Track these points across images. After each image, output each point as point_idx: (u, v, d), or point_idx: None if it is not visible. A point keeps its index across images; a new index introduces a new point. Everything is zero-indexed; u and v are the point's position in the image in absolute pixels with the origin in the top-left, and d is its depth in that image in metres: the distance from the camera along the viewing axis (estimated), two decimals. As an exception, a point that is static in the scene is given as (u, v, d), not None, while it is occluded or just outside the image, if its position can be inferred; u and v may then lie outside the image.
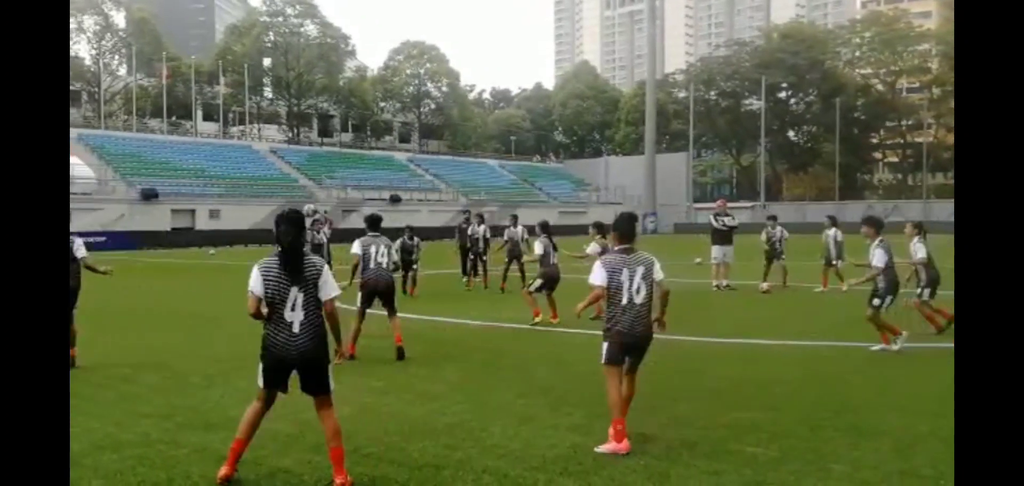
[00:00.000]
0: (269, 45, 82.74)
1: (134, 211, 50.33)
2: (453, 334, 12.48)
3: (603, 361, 6.08)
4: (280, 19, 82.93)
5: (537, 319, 12.84)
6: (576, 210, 71.92)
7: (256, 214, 54.39)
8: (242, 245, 46.51)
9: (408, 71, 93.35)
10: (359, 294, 10.21)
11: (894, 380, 8.55)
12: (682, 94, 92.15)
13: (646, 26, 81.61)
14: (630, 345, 6.08)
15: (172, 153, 60.89)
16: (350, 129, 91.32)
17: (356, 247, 10.33)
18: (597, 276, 6.11)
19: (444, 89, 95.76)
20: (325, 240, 17.50)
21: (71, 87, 75.75)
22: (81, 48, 77.03)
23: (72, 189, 49.11)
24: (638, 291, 6.03)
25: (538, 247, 13.65)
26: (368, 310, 10.21)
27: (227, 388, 8.20)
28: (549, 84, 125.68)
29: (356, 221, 60.85)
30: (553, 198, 77.52)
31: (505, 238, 19.23)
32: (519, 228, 19.07)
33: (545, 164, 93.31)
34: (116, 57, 78.35)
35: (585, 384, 8.35)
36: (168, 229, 50.89)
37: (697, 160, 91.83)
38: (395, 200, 64.44)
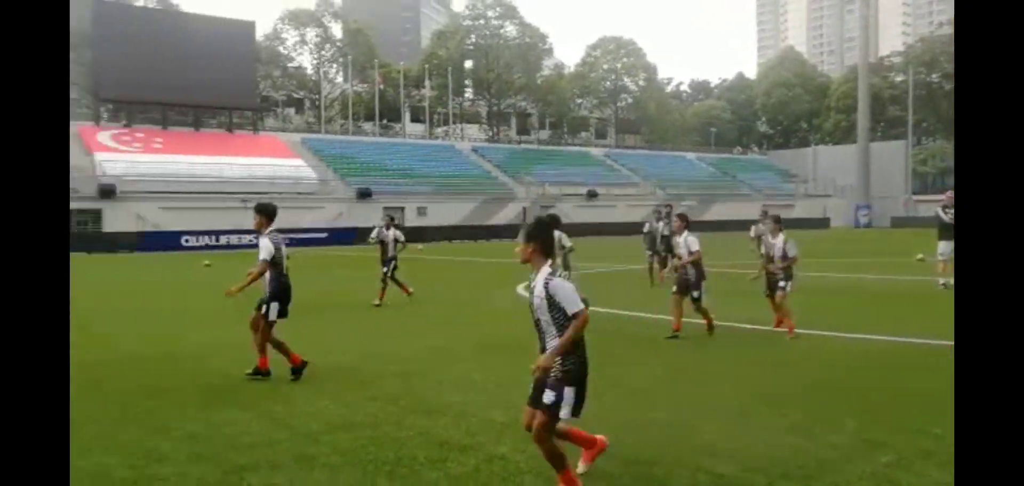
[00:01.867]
0: (471, 47, 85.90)
1: (351, 209, 54.06)
2: (651, 330, 12.35)
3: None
4: (481, 22, 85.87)
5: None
6: (782, 203, 68.78)
7: (459, 211, 56.67)
8: (446, 240, 48.61)
9: (605, 66, 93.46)
10: None
11: None
12: (900, 78, 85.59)
13: (858, 6, 76.53)
14: None
15: (383, 154, 64.75)
16: (547, 126, 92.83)
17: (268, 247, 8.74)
18: None
19: (641, 83, 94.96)
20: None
21: (295, 95, 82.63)
22: (304, 59, 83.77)
23: (298, 189, 53.62)
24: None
25: (693, 243, 11.60)
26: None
27: (444, 376, 8.61)
28: (751, 73, 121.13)
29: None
30: (756, 191, 74.63)
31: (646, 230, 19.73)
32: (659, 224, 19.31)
33: (747, 156, 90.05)
34: (334, 66, 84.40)
35: (802, 383, 8.00)
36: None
37: (917, 148, 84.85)
38: (591, 196, 64.83)
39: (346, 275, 26.42)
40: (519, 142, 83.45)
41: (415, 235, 51.04)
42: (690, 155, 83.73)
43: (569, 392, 4.68)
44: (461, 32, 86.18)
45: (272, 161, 56.04)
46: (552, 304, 4.68)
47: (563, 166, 70.70)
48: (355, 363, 9.44)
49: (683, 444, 5.94)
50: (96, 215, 46.29)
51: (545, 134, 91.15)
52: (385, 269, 16.33)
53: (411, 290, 16.23)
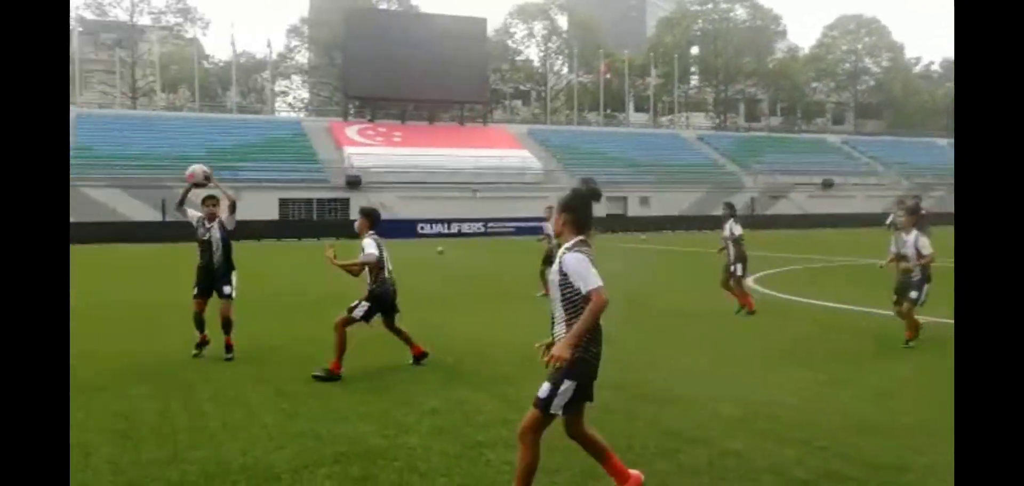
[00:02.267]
0: (698, 33, 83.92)
1: (574, 198, 54.86)
2: (895, 327, 11.45)
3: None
4: (709, 6, 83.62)
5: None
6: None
7: (683, 201, 55.69)
8: (669, 230, 47.96)
9: (843, 47, 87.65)
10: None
11: None
12: None
13: None
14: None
15: (606, 144, 65.05)
16: (778, 112, 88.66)
17: (372, 247, 8.64)
18: None
19: (884, 64, 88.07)
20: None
21: (522, 87, 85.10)
22: (531, 52, 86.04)
23: (523, 179, 55.27)
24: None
25: (926, 246, 10.15)
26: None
27: (672, 366, 8.54)
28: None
29: (784, 207, 59.08)
30: None
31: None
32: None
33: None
34: (560, 58, 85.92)
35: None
36: (603, 215, 54.54)
37: None
38: (827, 185, 61.17)
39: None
40: (747, 129, 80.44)
41: (638, 225, 50.96)
42: (941, 140, 76.41)
43: (568, 386, 4.21)
44: (688, 18, 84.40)
45: (499, 152, 58.17)
46: (565, 281, 4.25)
47: (796, 154, 67.27)
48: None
49: (938, 452, 5.48)
50: (344, 204, 50.50)
51: (776, 121, 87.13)
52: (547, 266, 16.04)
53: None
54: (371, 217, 8.81)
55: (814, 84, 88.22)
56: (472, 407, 6.76)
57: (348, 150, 54.95)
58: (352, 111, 64.76)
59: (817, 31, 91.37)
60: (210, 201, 9.36)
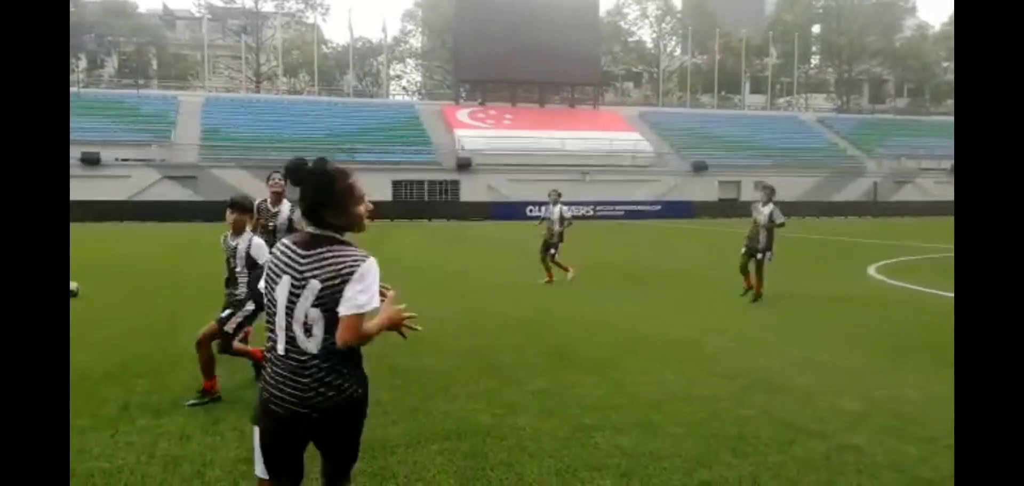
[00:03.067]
0: (820, 11, 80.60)
1: (685, 182, 53.86)
2: None
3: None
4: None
5: None
6: None
7: (801, 185, 53.82)
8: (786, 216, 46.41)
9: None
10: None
11: None
12: None
13: None
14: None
15: (721, 126, 63.48)
16: (905, 94, 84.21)
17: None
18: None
19: None
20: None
21: (634, 69, 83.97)
22: (644, 33, 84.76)
23: (635, 162, 54.66)
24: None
25: None
26: None
27: (787, 355, 8.27)
28: None
29: (909, 193, 56.15)
30: None
31: None
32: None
33: None
34: (674, 38, 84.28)
35: None
36: (715, 200, 53.32)
37: None
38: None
39: (688, 248, 26.47)
40: (872, 112, 76.77)
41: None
42: None
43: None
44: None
45: (610, 135, 57.68)
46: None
47: (924, 137, 63.80)
48: (695, 336, 9.43)
49: None
50: (455, 186, 51.30)
51: (903, 102, 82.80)
52: (553, 250, 15.26)
53: (570, 273, 15.12)
54: (244, 209, 6.63)
55: (945, 64, 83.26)
56: (582, 390, 6.75)
57: (459, 133, 55.72)
58: (464, 94, 65.57)
59: (949, 7, 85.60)
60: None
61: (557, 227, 15.45)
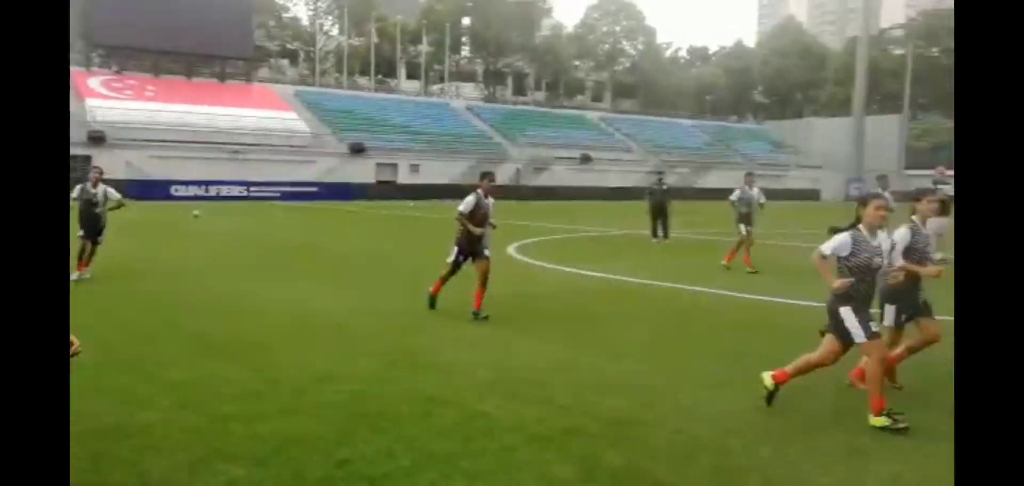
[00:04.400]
0: (470, 4, 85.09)
1: (343, 164, 53.84)
2: (643, 294, 12.44)
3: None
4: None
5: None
6: (773, 173, 68.92)
7: (452, 170, 56.55)
8: (437, 199, 48.53)
9: (604, 29, 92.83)
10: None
11: None
12: (899, 51, 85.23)
13: (859, -22, 75.94)
14: None
15: (378, 109, 64.37)
16: (544, 88, 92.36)
17: None
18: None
19: (639, 47, 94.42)
20: None
21: (289, 46, 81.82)
22: (300, 9, 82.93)
23: (291, 142, 53.37)
24: None
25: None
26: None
27: (436, 333, 8.67)
28: (750, 41, 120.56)
29: (546, 179, 61.86)
30: (749, 160, 74.57)
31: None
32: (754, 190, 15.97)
33: (742, 125, 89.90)
34: (330, 18, 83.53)
35: (777, 351, 8.07)
36: (373, 182, 54.04)
37: (913, 123, 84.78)
38: (586, 159, 64.71)
39: (344, 230, 26.43)
40: (514, 103, 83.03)
41: (407, 192, 51.10)
42: (685, 122, 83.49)
43: None
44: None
45: (265, 113, 55.67)
46: None
47: (558, 129, 70.46)
48: (346, 318, 9.49)
49: (663, 406, 6.02)
50: (85, 161, 45.94)
51: (541, 95, 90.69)
52: (98, 237, 12.59)
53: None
54: None
55: (576, 62, 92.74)
56: (222, 379, 6.46)
57: (91, 103, 49.97)
58: (97, 61, 58.91)
59: (581, 11, 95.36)
60: None
61: None
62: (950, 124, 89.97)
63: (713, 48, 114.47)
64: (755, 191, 15.58)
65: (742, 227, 15.26)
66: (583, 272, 14.50)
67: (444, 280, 9.94)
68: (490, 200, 9.78)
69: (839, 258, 5.81)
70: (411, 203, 45.49)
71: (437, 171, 55.95)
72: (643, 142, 72.31)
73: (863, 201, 6.17)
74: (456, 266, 9.80)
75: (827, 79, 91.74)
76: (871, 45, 77.35)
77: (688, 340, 8.80)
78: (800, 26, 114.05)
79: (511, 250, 18.57)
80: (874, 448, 5.21)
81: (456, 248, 9.79)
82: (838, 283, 5.72)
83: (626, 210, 35.88)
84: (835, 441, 5.32)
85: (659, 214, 21.44)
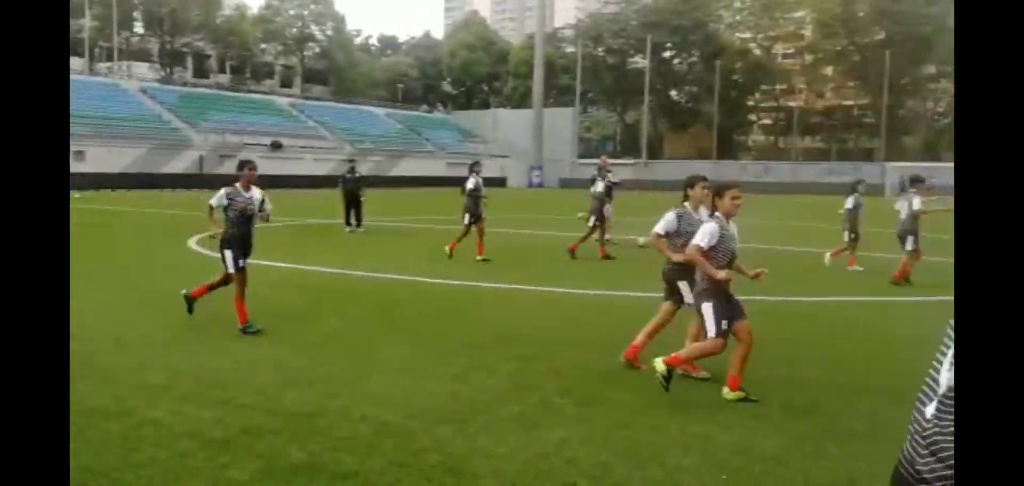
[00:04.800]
0: (140, -23, 78.18)
1: (-12, 149, 46.78)
2: (335, 284, 12.33)
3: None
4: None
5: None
6: (464, 162, 71.87)
7: (125, 157, 51.73)
8: (108, 189, 44.08)
9: (291, 12, 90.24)
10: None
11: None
12: (570, 49, 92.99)
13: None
14: None
15: (31, 88, 56.72)
16: (228, 70, 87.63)
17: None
18: None
19: (329, 33, 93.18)
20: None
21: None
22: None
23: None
24: None
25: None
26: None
27: (89, 341, 7.84)
28: (438, 33, 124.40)
29: (233, 167, 58.81)
30: (440, 149, 77.12)
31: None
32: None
33: (432, 115, 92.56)
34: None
35: (469, 334, 8.44)
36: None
37: (584, 116, 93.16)
38: (276, 146, 62.52)
39: None
40: (196, 84, 77.81)
41: (71, 182, 45.68)
42: (378, 110, 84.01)
43: None
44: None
45: None
46: None
47: (245, 113, 67.26)
48: None
49: (350, 396, 6.00)
50: None
51: (225, 78, 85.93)
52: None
53: None
54: None
55: (264, 45, 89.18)
56: None
57: None
58: None
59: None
60: None
61: None
62: (613, 117, 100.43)
63: (403, 37, 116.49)
64: (477, 180, 15.94)
65: (469, 216, 15.38)
66: (272, 264, 13.98)
67: (211, 287, 8.80)
68: (253, 192, 8.71)
69: (706, 246, 6.18)
70: (77, 194, 40.77)
71: (107, 158, 50.69)
72: (336, 129, 71.54)
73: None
74: (238, 268, 8.36)
75: (510, 73, 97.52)
76: (547, 42, 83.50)
77: (381, 328, 8.87)
78: (484, 21, 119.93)
79: (192, 243, 17.43)
80: (544, 418, 5.63)
81: (230, 252, 8.37)
82: (721, 275, 6.10)
83: (319, 199, 35.29)
84: (511, 413, 5.66)
85: (352, 203, 21.40)
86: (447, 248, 15.45)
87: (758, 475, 4.66)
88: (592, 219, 16.42)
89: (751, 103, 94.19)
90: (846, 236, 15.27)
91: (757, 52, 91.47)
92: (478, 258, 14.93)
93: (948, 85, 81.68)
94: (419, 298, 10.93)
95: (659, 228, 7.04)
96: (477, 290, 11.69)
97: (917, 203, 13.57)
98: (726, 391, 6.16)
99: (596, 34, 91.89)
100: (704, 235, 6.21)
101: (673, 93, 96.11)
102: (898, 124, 79.76)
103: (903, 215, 13.70)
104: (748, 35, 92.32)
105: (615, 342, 8.13)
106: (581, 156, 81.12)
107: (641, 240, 16.38)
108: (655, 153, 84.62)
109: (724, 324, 6.15)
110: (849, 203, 15.41)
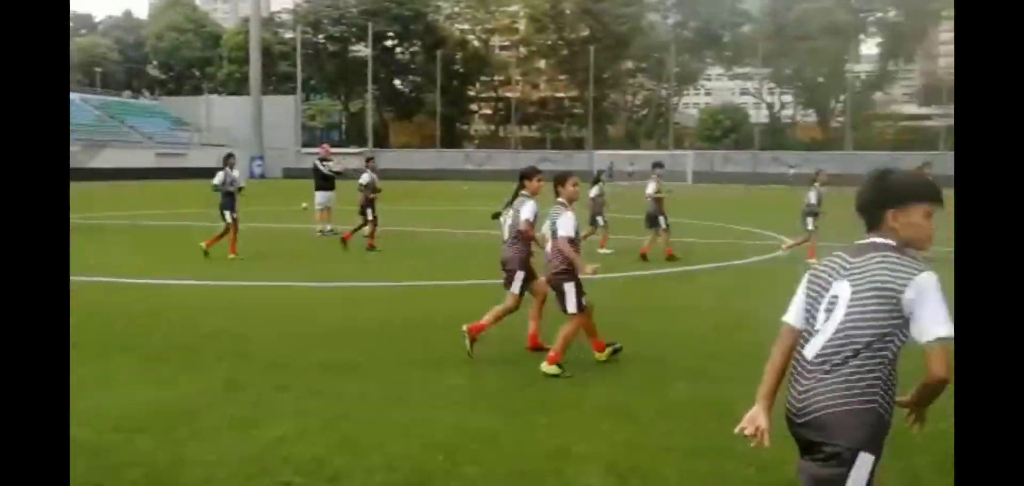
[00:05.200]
0: None
1: None
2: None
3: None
4: None
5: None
6: (175, 152, 67.11)
7: None
8: None
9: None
10: None
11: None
12: (289, 35, 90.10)
13: (251, -41, 77.99)
14: None
15: None
16: None
17: None
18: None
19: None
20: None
21: None
22: None
23: None
24: None
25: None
26: None
27: None
28: (141, 13, 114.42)
29: None
30: (148, 138, 71.20)
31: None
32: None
33: (137, 101, 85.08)
34: None
35: (178, 337, 7.90)
36: None
37: (306, 104, 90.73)
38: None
39: None
40: None
41: None
42: (74, 96, 75.53)
43: None
44: None
45: None
46: None
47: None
48: None
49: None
50: None
51: None
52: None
53: None
54: None
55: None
56: None
57: None
58: None
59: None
60: None
61: None
62: (338, 106, 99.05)
63: (99, 16, 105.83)
64: (237, 173, 14.89)
65: (228, 214, 14.20)
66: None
67: None
68: None
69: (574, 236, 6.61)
70: None
71: None
72: (20, 117, 63.27)
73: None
74: None
75: (224, 58, 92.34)
76: (263, 27, 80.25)
77: (75, 337, 7.98)
78: (193, 2, 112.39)
79: None
80: (260, 416, 5.42)
81: None
82: (590, 267, 6.65)
83: None
84: (223, 416, 5.39)
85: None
86: (203, 244, 14.10)
87: (474, 452, 4.84)
88: (368, 212, 16.14)
89: (472, 93, 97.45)
90: (807, 224, 14.43)
91: (476, 43, 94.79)
92: (229, 255, 14.03)
93: (644, 80, 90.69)
94: (122, 301, 10.00)
95: (572, 232, 6.80)
96: (189, 289, 10.97)
97: (652, 187, 15.02)
98: (545, 365, 6.50)
99: (315, 20, 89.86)
100: (569, 226, 6.57)
101: (397, 82, 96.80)
102: (603, 115, 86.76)
103: (648, 196, 15.14)
104: (467, 27, 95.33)
105: (339, 333, 8.07)
106: (305, 145, 79.00)
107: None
108: (381, 142, 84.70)
109: (584, 300, 6.66)
110: (812, 196, 14.64)
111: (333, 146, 35.04)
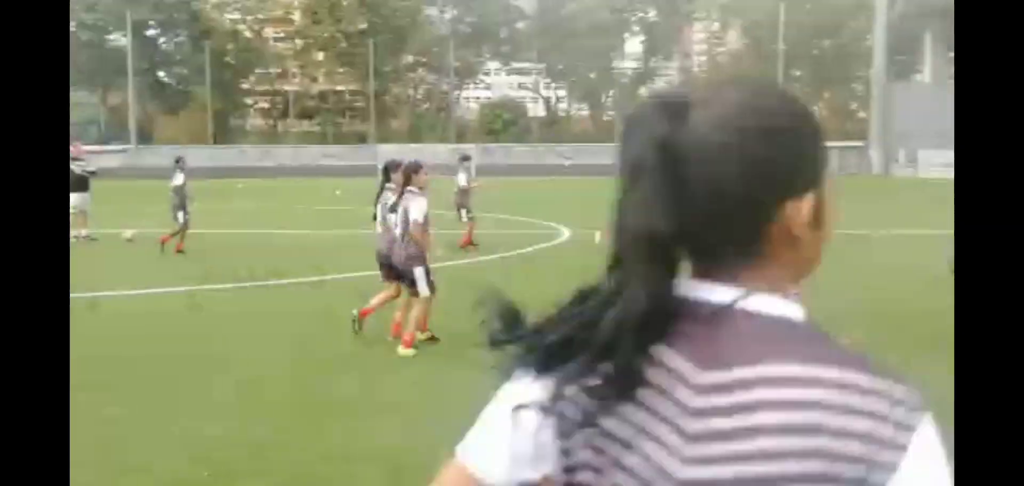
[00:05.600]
0: None
1: None
2: None
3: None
4: None
5: None
6: None
7: None
8: None
9: None
10: None
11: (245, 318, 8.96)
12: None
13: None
14: None
15: None
16: None
17: None
18: None
19: None
20: None
21: None
22: None
23: None
24: None
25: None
26: None
27: None
28: None
29: None
30: None
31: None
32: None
33: None
34: None
35: None
36: None
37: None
38: None
39: None
40: None
41: None
42: None
43: None
44: None
45: None
46: None
47: None
48: None
49: None
50: None
51: None
52: None
53: None
54: None
55: None
56: None
57: None
58: None
59: None
60: None
61: None
62: (95, 100, 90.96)
63: None
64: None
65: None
66: None
67: None
68: None
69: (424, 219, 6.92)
70: None
71: None
72: None
73: (415, 169, 7.26)
74: None
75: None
76: None
77: None
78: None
79: None
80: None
81: None
82: (438, 251, 7.29)
83: None
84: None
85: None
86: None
87: (245, 462, 4.61)
88: (181, 215, 15.22)
89: (246, 86, 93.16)
90: None
91: (248, 34, 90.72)
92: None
93: (425, 74, 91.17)
94: None
95: (421, 216, 7.09)
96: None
97: (463, 179, 15.30)
98: (401, 349, 6.79)
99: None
100: (421, 211, 6.86)
101: (162, 74, 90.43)
102: (386, 109, 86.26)
103: (458, 188, 15.35)
104: (237, 16, 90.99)
105: (104, 348, 7.45)
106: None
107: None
108: (146, 138, 78.83)
109: (432, 278, 7.05)
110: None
111: (93, 144, 32.18)
